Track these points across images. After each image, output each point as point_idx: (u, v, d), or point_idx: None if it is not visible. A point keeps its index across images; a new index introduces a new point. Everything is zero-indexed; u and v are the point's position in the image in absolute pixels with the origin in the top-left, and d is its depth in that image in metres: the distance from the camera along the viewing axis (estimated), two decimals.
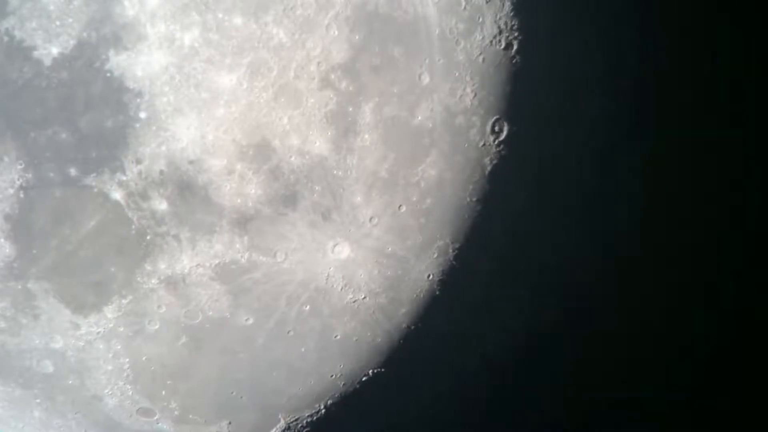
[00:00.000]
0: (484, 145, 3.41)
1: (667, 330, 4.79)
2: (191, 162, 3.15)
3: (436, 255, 3.65)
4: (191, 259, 3.37)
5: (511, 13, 3.22)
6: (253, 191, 3.27)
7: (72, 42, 2.90)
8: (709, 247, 4.50)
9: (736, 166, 4.18)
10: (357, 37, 3.12)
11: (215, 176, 3.20)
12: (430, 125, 3.31)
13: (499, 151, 3.44)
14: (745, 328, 4.98)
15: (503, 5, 3.19)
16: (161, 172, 3.15)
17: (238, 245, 3.38)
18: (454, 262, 3.68)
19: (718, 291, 4.73)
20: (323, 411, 4.10)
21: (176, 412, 3.95)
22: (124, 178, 3.14)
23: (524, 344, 4.36)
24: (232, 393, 3.92)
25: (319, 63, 3.11)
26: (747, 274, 4.72)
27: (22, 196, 3.13)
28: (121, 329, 3.53)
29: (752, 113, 3.98)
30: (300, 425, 4.16)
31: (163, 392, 3.85)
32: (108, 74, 2.96)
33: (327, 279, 3.58)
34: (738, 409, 5.35)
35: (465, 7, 3.15)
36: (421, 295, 3.76)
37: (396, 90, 3.22)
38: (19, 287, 3.37)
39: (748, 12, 3.77)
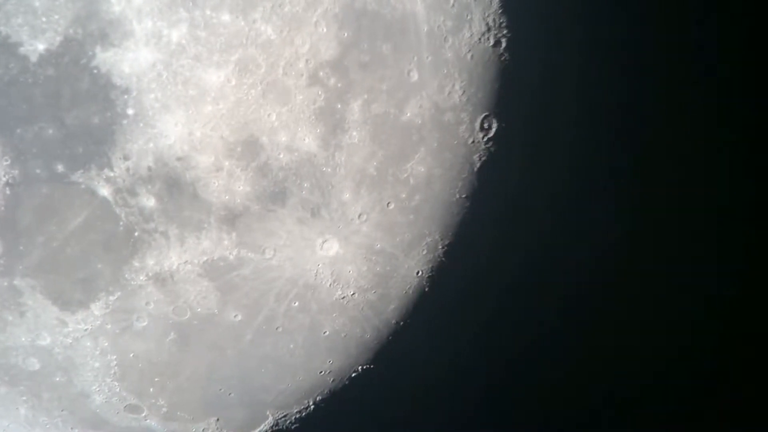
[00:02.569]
0: (473, 142, 3.50)
1: (661, 329, 4.87)
2: (179, 159, 3.22)
3: (425, 251, 3.73)
4: (179, 255, 3.44)
5: (500, 11, 3.30)
6: (241, 188, 3.34)
7: (58, 38, 2.95)
8: (705, 246, 4.59)
9: (726, 164, 4.28)
10: (345, 34, 3.19)
11: (203, 173, 3.26)
12: (419, 122, 3.40)
13: (488, 148, 3.52)
14: (742, 328, 5.06)
15: (491, 2, 3.27)
16: (149, 168, 3.22)
17: (226, 242, 3.45)
18: (443, 259, 3.77)
19: (714, 289, 4.81)
20: (312, 407, 4.17)
21: (164, 409, 4.02)
22: (112, 174, 3.20)
23: (515, 341, 4.46)
24: (220, 390, 3.99)
25: (307, 60, 3.18)
26: (744, 274, 4.81)
27: (8, 192, 3.18)
28: (109, 326, 3.59)
29: (739, 110, 4.08)
30: (288, 421, 4.24)
31: (151, 389, 3.91)
32: (95, 71, 3.01)
33: (316, 275, 3.66)
34: (736, 409, 5.42)
35: (453, 5, 3.23)
36: (410, 292, 3.84)
37: (385, 87, 3.30)
38: (5, 284, 3.41)
39: (736, 11, 3.86)
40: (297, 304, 3.72)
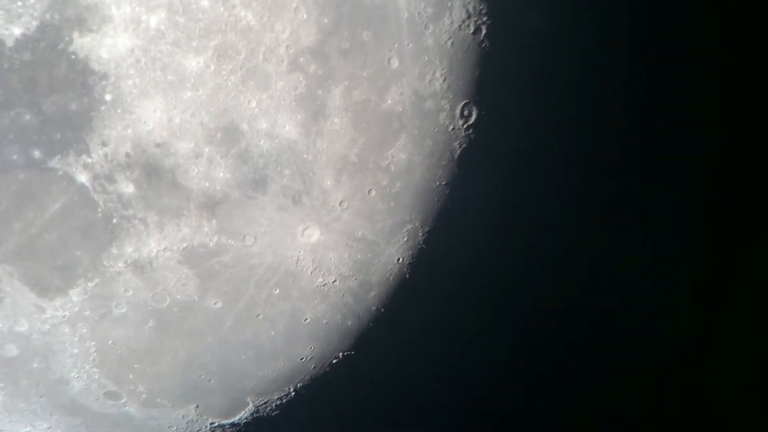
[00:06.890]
0: (453, 129, 3.63)
1: (642, 323, 5.04)
2: (158, 145, 3.31)
3: (405, 238, 3.86)
4: (158, 242, 3.53)
5: None
6: (221, 175, 3.43)
7: (35, 23, 3.01)
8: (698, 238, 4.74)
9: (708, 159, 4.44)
10: (326, 21, 3.28)
11: (182, 159, 3.35)
12: (400, 109, 3.51)
13: (468, 135, 3.65)
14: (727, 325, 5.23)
15: None
16: (127, 155, 3.30)
17: (206, 229, 3.54)
18: (423, 246, 3.90)
19: (706, 288, 4.97)
20: (293, 393, 4.29)
21: (144, 396, 4.12)
22: (90, 160, 3.28)
23: (494, 326, 4.61)
24: (200, 376, 4.09)
25: (287, 46, 3.28)
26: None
27: None
28: (87, 313, 3.67)
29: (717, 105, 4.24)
30: (269, 408, 4.36)
31: (131, 376, 4.00)
32: (72, 56, 3.08)
33: (297, 262, 3.77)
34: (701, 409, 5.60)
35: None
36: (391, 279, 3.97)
37: (365, 74, 3.41)
38: None
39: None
40: (278, 291, 3.83)
